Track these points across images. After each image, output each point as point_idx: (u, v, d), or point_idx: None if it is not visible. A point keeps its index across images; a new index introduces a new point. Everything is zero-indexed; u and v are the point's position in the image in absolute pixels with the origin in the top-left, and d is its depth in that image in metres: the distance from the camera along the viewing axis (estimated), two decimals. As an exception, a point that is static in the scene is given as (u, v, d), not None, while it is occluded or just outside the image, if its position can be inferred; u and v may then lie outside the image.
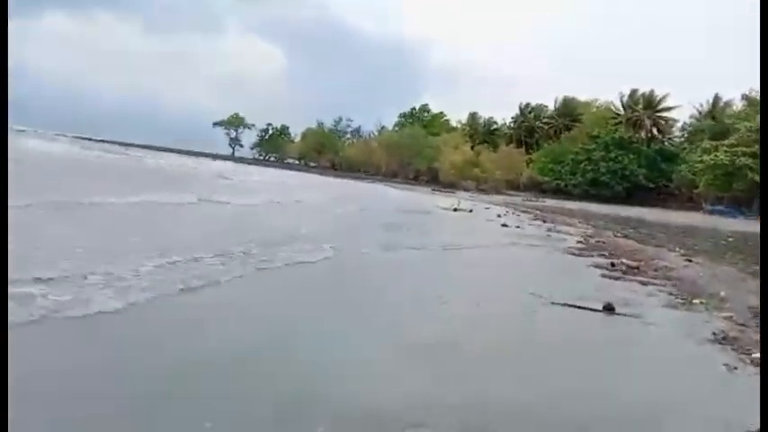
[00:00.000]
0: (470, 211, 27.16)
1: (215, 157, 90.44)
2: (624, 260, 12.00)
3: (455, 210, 26.98)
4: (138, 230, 9.42)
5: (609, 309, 7.01)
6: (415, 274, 8.96)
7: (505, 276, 9.72)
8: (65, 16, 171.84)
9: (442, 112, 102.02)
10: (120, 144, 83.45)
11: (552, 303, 7.19)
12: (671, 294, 8.65)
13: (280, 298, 6.39)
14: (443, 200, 35.96)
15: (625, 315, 6.82)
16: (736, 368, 4.96)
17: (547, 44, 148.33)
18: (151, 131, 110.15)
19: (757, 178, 53.95)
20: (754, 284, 10.36)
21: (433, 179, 79.14)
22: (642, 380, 4.71)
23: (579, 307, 7.08)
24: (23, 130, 77.61)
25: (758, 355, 5.39)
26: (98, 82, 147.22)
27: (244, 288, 6.50)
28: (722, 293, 8.88)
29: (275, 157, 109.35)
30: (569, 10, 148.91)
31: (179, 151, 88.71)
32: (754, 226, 35.73)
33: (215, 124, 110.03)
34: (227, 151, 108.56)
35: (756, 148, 53.69)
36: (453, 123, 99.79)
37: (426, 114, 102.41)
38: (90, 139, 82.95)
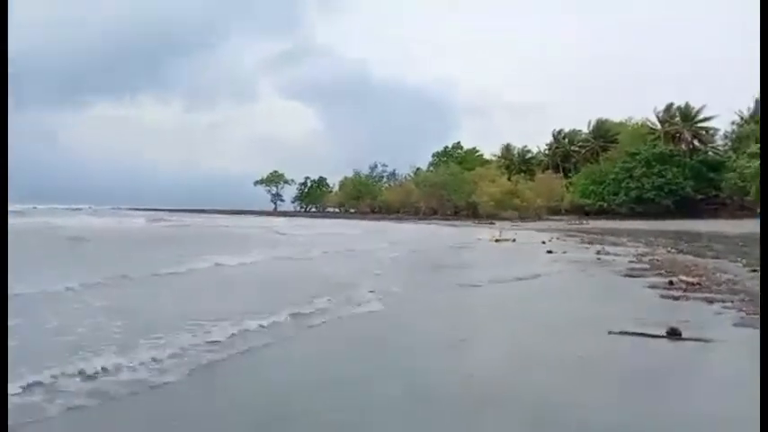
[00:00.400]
0: (513, 240, 26.51)
1: (258, 213, 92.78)
2: (683, 277, 11.30)
3: (497, 241, 26.42)
4: (221, 295, 9.69)
5: (674, 333, 6.46)
6: (464, 315, 8.58)
7: (557, 308, 9.19)
8: (112, 102, 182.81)
9: (475, 148, 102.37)
10: (173, 211, 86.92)
11: (609, 333, 6.69)
12: (740, 311, 7.99)
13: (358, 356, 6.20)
14: (485, 232, 35.37)
15: (693, 340, 6.26)
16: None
17: (574, 67, 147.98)
18: (199, 196, 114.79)
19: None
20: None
21: (473, 213, 78.43)
22: (726, 419, 4.22)
23: (640, 334, 6.56)
24: (80, 208, 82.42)
25: None
26: (148, 158, 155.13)
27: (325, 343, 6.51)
28: (801, 305, 8.15)
29: (316, 208, 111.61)
30: (591, 31, 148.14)
31: (227, 212, 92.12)
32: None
33: (256, 183, 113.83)
34: (270, 207, 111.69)
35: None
36: (487, 156, 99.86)
37: (460, 151, 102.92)
38: (146, 209, 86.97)
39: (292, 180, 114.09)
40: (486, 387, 4.85)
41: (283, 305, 7.96)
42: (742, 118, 68.55)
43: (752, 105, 67.62)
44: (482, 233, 33.59)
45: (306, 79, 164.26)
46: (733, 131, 70.18)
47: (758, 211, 57.06)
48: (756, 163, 55.00)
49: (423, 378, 5.05)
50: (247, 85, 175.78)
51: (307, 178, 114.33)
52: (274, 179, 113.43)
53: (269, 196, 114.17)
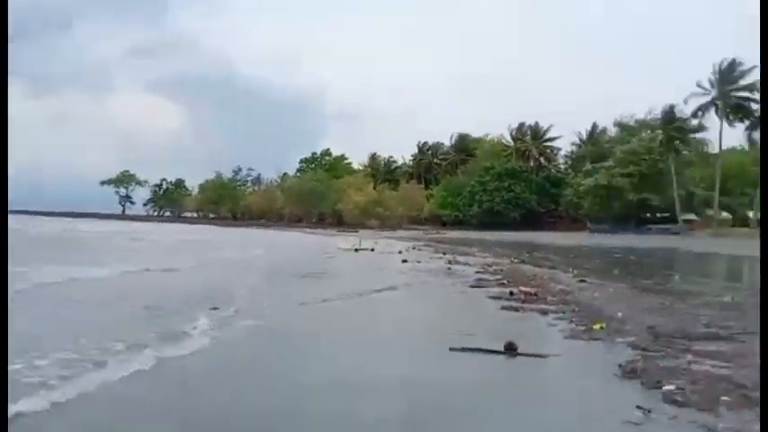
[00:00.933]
0: (372, 249, 26.49)
1: (103, 216, 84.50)
2: (522, 288, 11.66)
3: (356, 250, 26.23)
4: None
5: (511, 349, 6.32)
6: (305, 335, 7.81)
7: (402, 323, 8.83)
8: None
9: (343, 155, 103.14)
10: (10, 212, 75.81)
11: (451, 350, 6.39)
12: (571, 322, 8.23)
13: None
14: (347, 241, 35.17)
15: (528, 355, 6.14)
16: (650, 411, 4.32)
17: (442, 80, 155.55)
18: (40, 196, 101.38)
19: (632, 197, 58.85)
20: (647, 301, 10.36)
21: (338, 221, 78.70)
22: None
23: (480, 350, 6.34)
24: None
25: (670, 387, 4.88)
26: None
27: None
28: (619, 314, 8.63)
29: (171, 212, 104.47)
30: (463, 45, 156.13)
31: (71, 214, 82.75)
32: (633, 241, 38.44)
33: (102, 183, 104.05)
34: (118, 209, 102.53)
35: (631, 168, 58.76)
36: (355, 166, 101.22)
37: (328, 158, 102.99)
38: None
39: (146, 181, 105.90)
40: (298, 418, 4.15)
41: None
42: (581, 140, 76.90)
43: (589, 128, 76.15)
44: (344, 242, 33.31)
45: (170, 74, 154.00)
46: (572, 152, 78.43)
47: (588, 224, 64.04)
48: (589, 181, 61.79)
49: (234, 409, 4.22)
50: (103, 75, 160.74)
51: (163, 180, 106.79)
52: (125, 179, 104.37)
53: (117, 198, 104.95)
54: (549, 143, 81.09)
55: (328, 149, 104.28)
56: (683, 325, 7.82)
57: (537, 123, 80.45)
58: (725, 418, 4.21)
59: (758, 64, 54.67)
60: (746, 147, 63.87)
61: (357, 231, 54.62)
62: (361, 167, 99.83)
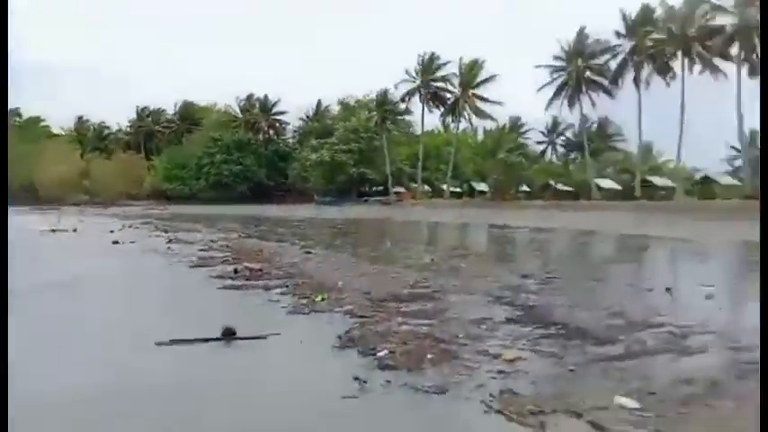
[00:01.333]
0: (74, 230, 22.66)
1: None
2: (247, 264, 11.23)
3: (53, 231, 22.13)
4: None
5: (230, 333, 5.79)
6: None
7: (97, 319, 7.38)
8: None
9: (38, 117, 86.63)
10: None
11: (158, 344, 5.51)
12: (295, 295, 8.11)
13: None
14: (46, 220, 29.53)
15: (247, 338, 5.70)
16: (365, 381, 4.32)
17: (163, 43, 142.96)
18: None
19: (353, 171, 64.13)
20: (363, 268, 11.06)
21: (33, 197, 66.03)
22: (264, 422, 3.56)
23: (192, 340, 5.63)
24: None
25: (384, 353, 5.03)
26: None
27: None
28: (340, 284, 8.90)
29: None
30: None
31: None
32: (353, 212, 41.85)
33: None
34: None
35: (352, 145, 63.72)
36: (56, 130, 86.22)
37: (18, 120, 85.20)
38: None
39: None
40: None
41: None
42: (307, 116, 79.87)
43: (314, 106, 79.50)
44: (38, 222, 27.88)
45: None
46: (300, 127, 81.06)
47: (315, 197, 67.44)
48: (314, 156, 64.84)
49: None
50: None
51: None
52: None
53: None
54: (277, 116, 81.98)
55: (17, 108, 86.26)
56: (394, 288, 8.44)
57: (266, 96, 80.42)
58: (429, 375, 4.46)
59: (451, 59, 64.63)
60: (442, 130, 75.49)
61: (59, 209, 46.65)
62: (64, 133, 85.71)
